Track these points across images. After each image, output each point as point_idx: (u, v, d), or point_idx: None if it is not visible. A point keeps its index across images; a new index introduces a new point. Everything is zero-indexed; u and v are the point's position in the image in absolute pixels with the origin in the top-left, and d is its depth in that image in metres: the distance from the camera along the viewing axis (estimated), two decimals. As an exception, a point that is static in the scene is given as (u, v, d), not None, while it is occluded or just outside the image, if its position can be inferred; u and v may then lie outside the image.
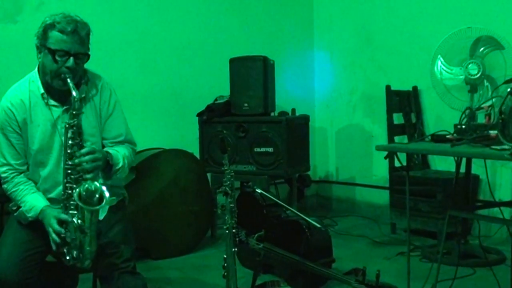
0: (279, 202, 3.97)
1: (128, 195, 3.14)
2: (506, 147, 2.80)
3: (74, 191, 2.59)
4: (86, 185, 2.58)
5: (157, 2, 5.48)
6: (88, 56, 2.77)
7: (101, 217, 2.78)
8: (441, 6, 5.37)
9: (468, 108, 3.48)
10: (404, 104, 5.44)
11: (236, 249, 2.91)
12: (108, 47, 4.99)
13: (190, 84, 5.66)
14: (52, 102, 2.82)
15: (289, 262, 3.70)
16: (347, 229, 5.49)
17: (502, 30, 4.35)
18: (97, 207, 2.58)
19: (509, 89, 3.04)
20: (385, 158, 4.52)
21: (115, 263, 2.83)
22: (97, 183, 2.60)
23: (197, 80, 5.69)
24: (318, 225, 3.74)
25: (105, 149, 2.86)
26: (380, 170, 5.85)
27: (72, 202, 2.64)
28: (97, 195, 2.58)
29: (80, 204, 2.55)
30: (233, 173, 2.92)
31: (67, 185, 2.68)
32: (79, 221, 2.60)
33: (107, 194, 2.56)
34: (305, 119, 5.34)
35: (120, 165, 2.83)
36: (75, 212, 2.64)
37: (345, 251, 4.66)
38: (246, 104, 5.14)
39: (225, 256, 2.92)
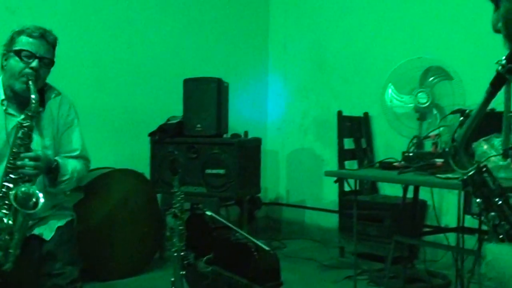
0: (229, 224, 3.97)
1: (77, 215, 3.10)
2: (450, 175, 2.87)
3: (10, 191, 2.56)
4: (24, 188, 2.56)
5: (112, 20, 5.45)
6: (53, 63, 2.78)
7: (48, 237, 2.74)
8: (394, 36, 5.48)
9: (416, 137, 3.56)
10: (355, 129, 5.51)
11: (184, 272, 2.90)
12: (62, 63, 4.93)
13: (143, 103, 5.63)
14: (10, 110, 2.80)
15: (237, 286, 3.69)
16: (296, 252, 5.51)
17: (451, 61, 4.46)
18: (31, 211, 2.55)
19: (461, 118, 3.12)
20: (335, 182, 4.58)
21: (61, 284, 2.79)
22: (35, 188, 2.58)
23: (150, 100, 5.66)
24: (267, 248, 3.75)
25: (56, 157, 2.84)
26: (330, 193, 5.90)
27: (6, 202, 2.60)
28: (33, 200, 2.56)
29: (15, 205, 2.51)
30: (183, 195, 2.92)
31: (4, 183, 2.64)
32: (9, 221, 2.56)
33: (42, 200, 2.54)
34: (257, 142, 5.37)
35: (67, 176, 2.81)
36: (7, 212, 2.59)
37: (293, 274, 4.67)
38: (198, 125, 5.13)
39: (173, 279, 2.90)
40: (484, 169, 1.34)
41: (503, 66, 1.24)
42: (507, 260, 1.25)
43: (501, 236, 1.30)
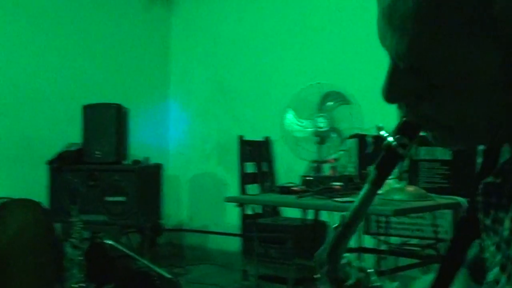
0: (130, 253, 3.91)
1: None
2: (348, 199, 2.96)
3: None
4: None
5: (8, 45, 5.31)
6: None
7: None
8: (294, 61, 5.60)
9: (315, 161, 3.63)
10: (256, 153, 5.57)
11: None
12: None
13: (41, 130, 5.49)
14: None
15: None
16: (199, 278, 5.48)
17: (349, 86, 4.59)
18: None
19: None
20: (237, 206, 4.60)
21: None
22: None
23: (48, 126, 5.52)
24: (169, 276, 3.72)
25: None
26: (232, 217, 5.91)
27: None
28: None
29: None
30: (82, 224, 2.86)
31: None
32: None
33: None
34: (157, 168, 5.33)
35: None
36: None
37: (197, 301, 4.65)
38: (98, 152, 5.05)
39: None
40: None
41: (390, 144, 0.88)
42: None
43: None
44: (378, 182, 0.90)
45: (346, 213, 0.93)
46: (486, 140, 0.80)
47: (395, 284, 1.39)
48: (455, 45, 0.68)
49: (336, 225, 0.95)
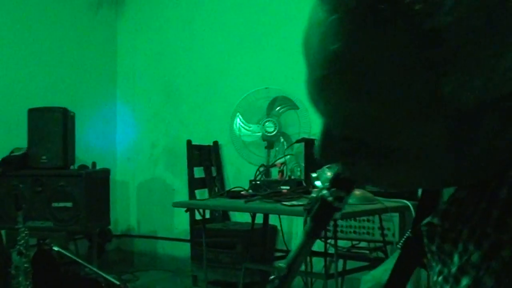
0: (78, 259, 3.86)
1: None
2: (295, 202, 2.99)
3: None
4: None
5: None
6: None
7: None
8: (242, 66, 5.61)
9: (262, 165, 3.66)
10: (205, 158, 5.56)
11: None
12: None
13: (-16, 135, 5.38)
14: None
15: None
16: (148, 284, 5.44)
17: (297, 91, 4.62)
18: None
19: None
20: (186, 211, 4.59)
21: None
22: None
23: (-9, 131, 5.41)
24: (117, 282, 3.67)
25: None
26: (181, 223, 5.89)
27: None
28: None
29: None
30: (27, 231, 2.81)
31: None
32: None
33: None
34: (105, 173, 5.27)
35: None
36: None
37: (146, 307, 4.61)
38: (44, 157, 4.97)
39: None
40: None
41: (325, 198, 0.86)
42: None
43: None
44: (314, 234, 0.89)
45: (282, 264, 0.91)
46: (430, 189, 0.82)
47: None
48: (395, 123, 0.63)
49: (272, 277, 0.92)
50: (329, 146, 0.71)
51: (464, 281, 0.69)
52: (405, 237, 0.91)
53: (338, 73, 0.62)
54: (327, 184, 0.85)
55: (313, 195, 0.88)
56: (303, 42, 0.67)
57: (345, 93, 0.63)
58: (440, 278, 0.74)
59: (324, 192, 0.85)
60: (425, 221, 0.76)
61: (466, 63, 0.59)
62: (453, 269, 0.72)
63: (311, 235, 0.89)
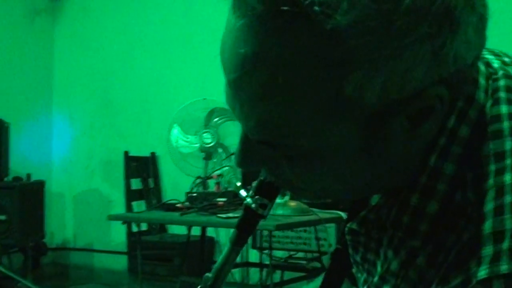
0: (11, 274, 3.77)
1: None
2: (231, 214, 2.99)
3: None
4: None
5: None
6: None
7: None
8: (180, 77, 5.60)
9: (199, 177, 3.65)
10: (142, 169, 5.52)
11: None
12: None
13: None
14: None
15: None
16: (84, 298, 5.35)
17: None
18: None
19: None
20: (123, 223, 4.54)
21: None
22: None
23: None
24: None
25: None
26: (118, 235, 5.82)
27: None
28: None
29: None
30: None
31: None
32: None
33: None
34: (40, 185, 5.20)
35: None
36: None
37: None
38: (-24, 169, 4.86)
39: None
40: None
41: (249, 206, 0.85)
42: None
43: None
44: (239, 242, 0.88)
45: (209, 274, 0.90)
46: (352, 198, 0.83)
47: None
48: (307, 123, 0.64)
49: (199, 287, 0.91)
50: (247, 152, 0.72)
51: None
52: (334, 248, 0.92)
53: (248, 74, 0.63)
54: (251, 192, 0.85)
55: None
56: (220, 48, 0.68)
57: (256, 94, 0.64)
58: None
59: (248, 200, 0.84)
60: (346, 227, 0.78)
61: (365, 63, 0.60)
62: (375, 278, 0.73)
63: (236, 244, 0.88)
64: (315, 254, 4.25)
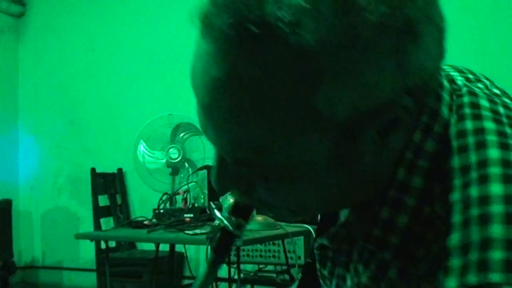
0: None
1: None
2: (198, 231, 3.00)
3: None
4: None
5: None
6: None
7: None
8: (145, 92, 5.59)
9: (165, 193, 3.66)
10: (109, 186, 5.49)
11: None
12: None
13: None
14: None
15: None
16: (53, 317, 5.30)
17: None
18: None
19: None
20: (91, 241, 4.52)
21: None
22: None
23: None
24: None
25: None
26: (87, 252, 5.77)
27: None
28: None
29: None
30: None
31: None
32: None
33: None
34: (7, 204, 5.16)
35: None
36: None
37: None
38: None
39: None
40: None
41: (225, 228, 0.86)
42: None
43: None
44: (216, 264, 0.90)
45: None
46: (324, 212, 0.84)
47: None
48: (280, 140, 0.65)
49: None
50: (223, 174, 0.73)
51: None
52: (304, 262, 0.94)
53: (221, 97, 0.64)
54: (226, 213, 0.86)
55: (216, 223, 0.88)
56: (190, 72, 0.69)
57: (229, 115, 0.65)
58: None
59: (225, 222, 0.86)
60: (316, 243, 0.79)
61: (333, 78, 0.62)
62: None
63: (214, 266, 0.90)
64: (284, 267, 4.27)
